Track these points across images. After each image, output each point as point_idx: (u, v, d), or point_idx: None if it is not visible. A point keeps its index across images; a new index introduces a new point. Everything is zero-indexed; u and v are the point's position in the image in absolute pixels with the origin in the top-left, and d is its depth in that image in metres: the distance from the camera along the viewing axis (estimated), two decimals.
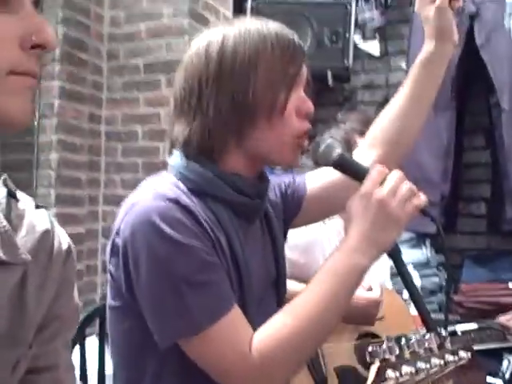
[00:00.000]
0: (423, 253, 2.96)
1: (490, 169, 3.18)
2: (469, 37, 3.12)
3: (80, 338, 1.58)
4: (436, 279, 2.87)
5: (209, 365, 1.04)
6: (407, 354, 0.73)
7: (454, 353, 0.77)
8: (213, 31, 1.12)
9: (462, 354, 0.77)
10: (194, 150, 1.09)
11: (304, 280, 1.72)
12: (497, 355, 2.46)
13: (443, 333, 0.82)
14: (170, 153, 1.16)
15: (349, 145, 1.86)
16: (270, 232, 1.23)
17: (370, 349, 0.73)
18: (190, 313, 1.00)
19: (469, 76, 3.22)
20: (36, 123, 2.95)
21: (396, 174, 1.04)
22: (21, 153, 2.96)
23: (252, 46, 1.08)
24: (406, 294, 2.85)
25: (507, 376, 2.31)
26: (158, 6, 3.31)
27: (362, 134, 1.83)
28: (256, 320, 1.07)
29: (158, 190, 1.04)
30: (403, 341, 0.75)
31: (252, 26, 1.10)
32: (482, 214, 3.20)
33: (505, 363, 2.32)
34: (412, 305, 2.79)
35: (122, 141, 3.25)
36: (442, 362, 0.74)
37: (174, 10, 3.29)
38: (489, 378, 2.43)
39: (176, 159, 1.12)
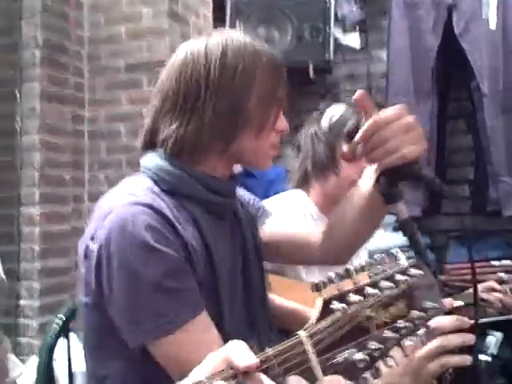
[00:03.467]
0: None
1: (472, 152, 3.20)
2: (447, 27, 3.16)
3: (65, 333, 1.56)
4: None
5: (175, 366, 1.04)
6: (356, 280, 0.69)
7: (405, 272, 0.72)
8: (209, 38, 1.14)
9: (413, 271, 0.73)
10: (180, 149, 1.11)
11: (283, 274, 1.73)
12: (482, 332, 2.45)
13: (392, 251, 0.78)
14: (145, 147, 1.16)
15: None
16: (240, 232, 1.25)
17: (314, 281, 0.68)
18: (160, 316, 1.01)
19: (449, 64, 3.25)
20: (18, 126, 2.97)
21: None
22: (4, 154, 2.97)
23: (250, 60, 1.11)
24: None
25: (494, 352, 2.29)
26: (137, 8, 3.33)
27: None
28: (228, 319, 1.11)
29: (132, 196, 1.05)
30: (351, 269, 0.70)
31: (247, 40, 1.14)
32: (466, 196, 3.21)
33: (491, 339, 2.30)
34: None
35: (105, 139, 3.26)
36: (393, 284, 0.70)
37: (154, 11, 3.31)
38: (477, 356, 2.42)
39: (152, 160, 1.13)
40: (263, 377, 0.59)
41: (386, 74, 3.28)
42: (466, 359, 0.99)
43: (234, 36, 1.14)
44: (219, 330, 1.08)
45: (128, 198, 1.04)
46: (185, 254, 1.05)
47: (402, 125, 1.00)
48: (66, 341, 1.54)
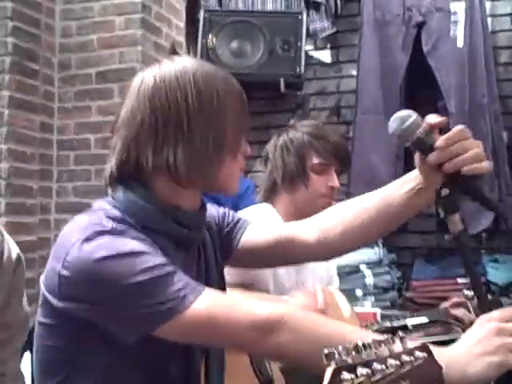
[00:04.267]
0: (376, 252, 3.00)
1: None
2: (416, 45, 3.20)
3: (30, 346, 1.54)
4: (388, 277, 2.91)
5: (220, 328, 1.02)
6: (364, 356, 0.73)
7: (410, 353, 0.76)
8: (171, 64, 1.13)
9: (418, 353, 0.77)
10: (167, 178, 1.10)
11: (251, 287, 1.73)
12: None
13: (400, 334, 0.82)
14: (114, 179, 1.14)
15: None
16: (205, 259, 1.25)
17: (325, 351, 0.72)
18: (174, 294, 1.00)
19: (416, 82, 3.30)
20: None
21: None
22: None
23: (221, 85, 1.12)
24: (358, 292, 2.89)
25: None
26: (109, 17, 3.32)
27: (318, 152, 1.86)
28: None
29: (99, 226, 1.05)
30: (359, 343, 0.74)
31: (208, 66, 1.15)
32: (431, 214, 3.25)
33: None
34: (365, 301, 2.79)
35: (75, 149, 3.24)
36: (399, 363, 0.74)
37: (126, 21, 3.30)
38: None
39: (120, 193, 1.12)
40: None
41: (355, 91, 3.32)
42: None
43: (196, 62, 1.15)
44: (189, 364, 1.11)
45: (96, 228, 1.04)
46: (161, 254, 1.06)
47: (477, 141, 1.07)
48: (30, 354, 1.53)
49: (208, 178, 1.13)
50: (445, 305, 2.08)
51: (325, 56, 3.64)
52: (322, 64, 3.62)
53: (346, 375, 0.70)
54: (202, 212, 1.22)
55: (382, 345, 0.76)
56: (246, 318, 1.01)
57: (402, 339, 0.78)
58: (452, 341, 2.27)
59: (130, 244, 1.03)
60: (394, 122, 1.14)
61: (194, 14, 3.63)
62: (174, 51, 3.53)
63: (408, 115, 1.13)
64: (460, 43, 3.13)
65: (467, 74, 3.08)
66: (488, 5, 3.29)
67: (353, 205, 1.31)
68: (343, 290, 2.34)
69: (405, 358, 0.75)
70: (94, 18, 3.35)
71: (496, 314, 1.00)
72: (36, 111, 3.11)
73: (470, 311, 2.01)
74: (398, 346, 0.77)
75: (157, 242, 1.09)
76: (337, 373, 0.70)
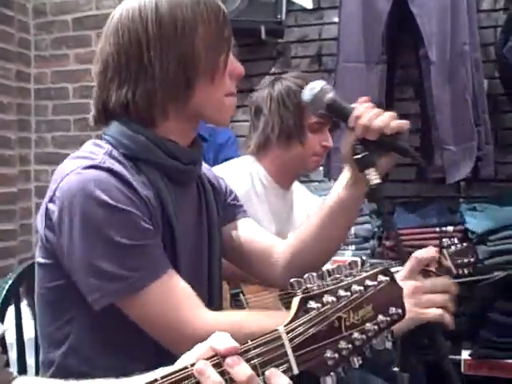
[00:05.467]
0: None
1: (419, 119, 3.26)
2: None
3: (14, 298, 1.55)
4: (368, 226, 2.95)
5: (151, 324, 1.06)
6: (329, 283, 0.75)
7: (373, 278, 0.79)
8: None
9: (381, 277, 0.79)
10: (133, 116, 1.12)
11: None
12: None
13: (363, 258, 0.85)
14: (99, 120, 1.17)
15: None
16: (206, 204, 1.28)
17: (291, 280, 0.74)
18: (128, 274, 1.03)
19: (398, 29, 3.27)
20: None
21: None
22: None
23: (188, 9, 1.11)
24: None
25: None
26: None
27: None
28: (186, 281, 1.11)
29: (91, 160, 1.07)
30: (325, 272, 0.76)
31: None
32: (411, 163, 3.28)
33: None
34: (345, 251, 2.83)
35: (52, 99, 3.19)
36: (362, 288, 0.76)
37: None
38: None
39: (113, 126, 1.14)
40: (242, 362, 0.66)
41: (337, 38, 3.28)
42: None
43: None
44: None
45: (88, 162, 1.07)
46: (147, 213, 1.08)
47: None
48: (14, 307, 1.52)
49: (177, 103, 1.13)
50: (418, 252, 2.12)
51: (306, 2, 3.57)
52: (303, 10, 3.56)
53: (312, 304, 0.73)
54: (196, 148, 1.23)
55: (346, 271, 0.79)
56: (180, 324, 1.05)
57: (363, 264, 0.81)
58: None
59: (119, 196, 1.04)
60: (304, 92, 1.21)
61: None
62: None
63: (316, 84, 1.21)
64: None
65: (449, 21, 3.04)
66: None
67: (307, 228, 1.34)
68: None
69: (368, 282, 0.78)
70: None
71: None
72: (11, 60, 3.05)
73: (445, 258, 2.06)
74: (361, 271, 0.80)
75: (149, 175, 1.11)
76: (303, 302, 0.73)
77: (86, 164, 1.06)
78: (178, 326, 1.05)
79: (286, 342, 0.71)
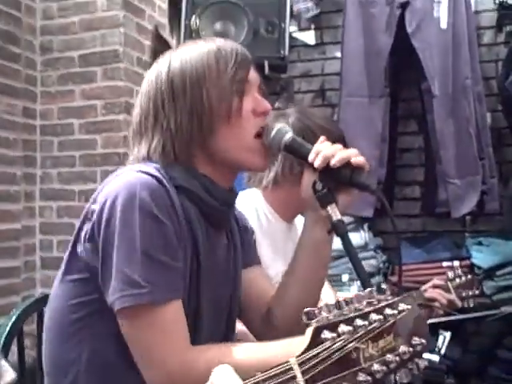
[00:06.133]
0: (361, 236, 3.02)
1: (423, 153, 3.27)
2: (400, 25, 3.19)
3: (18, 334, 1.55)
4: (374, 261, 2.94)
5: (136, 346, 1.07)
6: (345, 312, 0.72)
7: (393, 306, 0.75)
8: (160, 60, 1.23)
9: (402, 306, 0.75)
10: (161, 160, 1.16)
11: None
12: (432, 332, 2.55)
13: (383, 286, 0.82)
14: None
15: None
16: (234, 246, 1.30)
17: (305, 310, 0.70)
18: (144, 285, 1.04)
19: (401, 63, 3.30)
20: None
21: None
22: None
23: (198, 62, 1.17)
24: (345, 278, 2.92)
25: (443, 351, 2.38)
26: None
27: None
28: (205, 318, 1.15)
29: (142, 168, 1.11)
30: (341, 301, 0.73)
31: (194, 45, 1.22)
32: (416, 197, 3.29)
33: (440, 339, 2.39)
34: (351, 287, 2.83)
35: (58, 135, 3.21)
36: (382, 317, 0.72)
37: (108, 2, 3.25)
38: (425, 355, 2.51)
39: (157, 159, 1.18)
40: None
41: (340, 73, 3.31)
42: None
43: (184, 49, 1.23)
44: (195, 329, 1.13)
45: (137, 168, 1.11)
46: (179, 233, 1.10)
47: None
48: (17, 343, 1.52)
49: (202, 150, 1.17)
50: (424, 287, 2.11)
51: (309, 37, 3.61)
52: (306, 46, 3.60)
53: (327, 334, 0.69)
54: (232, 194, 1.26)
55: (364, 300, 0.75)
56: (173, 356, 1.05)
57: (383, 292, 0.79)
58: (435, 324, 2.30)
59: (162, 207, 1.07)
60: (264, 136, 1.22)
61: None
62: (157, 33, 3.49)
63: (274, 126, 1.22)
64: (443, 24, 3.11)
65: (451, 56, 3.07)
66: None
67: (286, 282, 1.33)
68: (329, 276, 2.36)
69: (388, 311, 0.73)
70: None
71: None
72: (18, 96, 3.07)
73: (450, 292, 2.05)
74: (380, 300, 0.76)
75: (187, 207, 1.14)
76: (317, 332, 0.69)
77: (135, 170, 1.10)
78: (165, 357, 1.05)
79: (299, 375, 0.67)
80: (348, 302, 0.73)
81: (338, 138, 1.95)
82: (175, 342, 1.06)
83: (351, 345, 0.69)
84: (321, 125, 1.88)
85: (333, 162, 1.14)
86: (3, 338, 1.47)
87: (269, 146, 1.22)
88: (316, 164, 1.16)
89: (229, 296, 1.28)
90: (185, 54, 1.20)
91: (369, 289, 0.78)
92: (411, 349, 0.74)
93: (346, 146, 1.79)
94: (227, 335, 1.27)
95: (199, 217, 1.17)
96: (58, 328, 1.17)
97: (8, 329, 1.49)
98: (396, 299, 0.76)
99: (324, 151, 1.16)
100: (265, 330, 1.33)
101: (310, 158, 1.18)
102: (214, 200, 1.19)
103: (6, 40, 3.00)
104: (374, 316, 0.72)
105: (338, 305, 0.72)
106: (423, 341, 0.75)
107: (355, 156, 1.15)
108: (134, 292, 1.03)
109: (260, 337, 1.38)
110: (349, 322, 0.70)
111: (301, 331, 0.72)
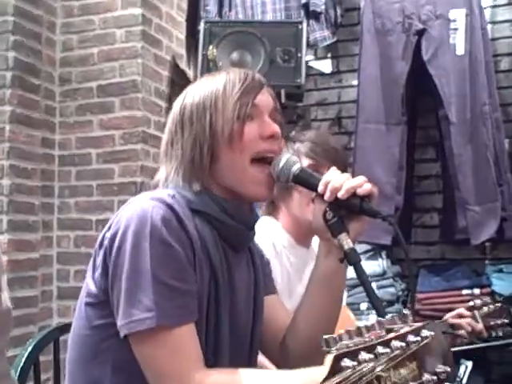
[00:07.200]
0: (380, 264, 2.99)
1: (440, 180, 3.24)
2: (416, 53, 3.19)
3: (34, 363, 1.54)
4: (393, 289, 2.90)
5: (149, 369, 1.07)
6: (366, 339, 0.69)
7: (416, 333, 0.72)
8: (180, 97, 1.27)
9: (426, 332, 0.73)
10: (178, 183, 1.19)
11: None
12: (454, 361, 2.49)
13: (405, 312, 0.80)
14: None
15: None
16: (254, 269, 1.30)
17: (325, 337, 0.68)
18: (153, 309, 1.04)
19: (418, 91, 3.30)
20: None
21: None
22: None
23: (207, 91, 1.21)
24: (363, 306, 2.89)
25: (464, 381, 2.33)
26: (110, 29, 3.32)
27: (307, 155, 1.85)
28: (227, 344, 1.14)
29: (154, 195, 1.13)
30: (362, 327, 0.71)
31: (211, 76, 1.26)
32: (435, 225, 3.26)
33: (462, 368, 2.35)
34: (369, 315, 2.80)
35: (76, 164, 3.24)
36: (404, 344, 0.70)
37: (127, 33, 3.31)
38: None
39: (174, 183, 1.21)
40: None
41: (356, 101, 3.31)
42: None
43: (202, 80, 1.28)
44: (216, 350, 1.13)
45: (150, 195, 1.13)
46: (193, 258, 1.10)
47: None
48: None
49: (209, 175, 1.19)
50: (448, 316, 2.06)
51: (325, 66, 3.63)
52: (322, 74, 3.61)
53: (347, 362, 0.65)
54: (252, 214, 1.27)
55: (386, 326, 0.73)
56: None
57: (405, 319, 0.75)
58: (456, 353, 2.25)
59: (173, 233, 1.08)
60: (273, 166, 1.22)
61: (195, 25, 3.63)
62: (174, 64, 3.53)
63: (281, 156, 1.22)
64: (460, 51, 3.11)
65: (468, 82, 3.07)
66: (488, 12, 3.29)
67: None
68: (348, 304, 2.33)
69: (411, 337, 0.71)
70: (94, 30, 3.36)
71: None
72: (37, 126, 3.11)
73: (477, 321, 2.00)
74: (402, 327, 0.73)
75: (201, 227, 1.14)
76: (337, 360, 0.65)
77: (148, 197, 1.12)
78: (176, 379, 1.05)
79: None
80: (369, 328, 0.71)
81: (338, 154, 1.94)
82: (185, 363, 1.06)
83: (373, 373, 0.66)
84: (323, 140, 1.88)
85: (340, 195, 1.14)
86: (19, 369, 1.47)
87: (277, 178, 1.21)
88: (326, 197, 1.16)
89: (251, 320, 1.26)
90: (199, 86, 1.25)
91: (391, 315, 0.76)
92: (435, 377, 0.72)
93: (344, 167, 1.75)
94: (250, 362, 1.26)
95: (217, 239, 1.17)
96: (80, 350, 1.18)
97: (24, 359, 1.49)
98: (419, 325, 0.74)
99: (332, 182, 1.15)
100: (282, 360, 1.31)
101: (320, 189, 1.18)
102: (231, 219, 1.19)
103: (25, 71, 3.06)
104: (396, 343, 0.69)
105: (358, 331, 0.70)
106: (448, 369, 0.73)
107: (362, 185, 1.14)
108: (142, 317, 1.04)
109: (279, 367, 1.37)
110: (370, 349, 0.67)
111: (320, 360, 0.68)
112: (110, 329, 1.11)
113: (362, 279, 1.13)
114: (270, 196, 1.26)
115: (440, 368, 0.73)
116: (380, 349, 0.68)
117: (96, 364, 1.14)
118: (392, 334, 0.71)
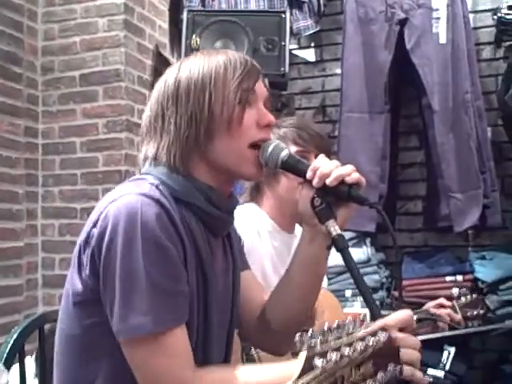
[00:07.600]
0: (364, 251, 3.02)
1: (424, 168, 3.27)
2: (399, 42, 3.21)
3: (19, 351, 1.53)
4: (377, 276, 2.93)
5: (142, 375, 1.06)
6: (334, 341, 0.75)
7: (374, 334, 0.79)
8: (171, 67, 1.24)
9: (381, 334, 0.80)
10: (164, 166, 1.16)
11: None
12: (437, 347, 2.53)
13: (361, 315, 0.86)
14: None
15: None
16: (232, 252, 1.30)
17: (297, 336, 0.73)
18: (148, 314, 1.03)
19: (401, 79, 3.31)
20: None
21: None
22: None
23: (206, 68, 1.18)
24: (348, 293, 2.90)
25: (447, 367, 2.36)
26: (92, 18, 3.30)
27: (295, 141, 1.86)
28: (215, 330, 1.15)
29: (139, 189, 1.10)
30: (327, 328, 0.76)
31: (207, 54, 1.22)
32: (418, 212, 3.29)
33: (445, 354, 2.38)
34: (354, 302, 2.82)
35: (60, 153, 3.22)
36: (364, 345, 0.76)
37: (109, 22, 3.28)
38: (430, 370, 2.49)
39: (156, 169, 1.18)
40: None
41: (340, 89, 3.32)
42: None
43: (195, 57, 1.23)
44: (204, 343, 1.13)
45: (136, 189, 1.10)
46: (183, 255, 1.10)
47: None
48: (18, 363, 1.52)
49: (200, 155, 1.17)
50: (429, 305, 2.09)
51: (309, 55, 3.64)
52: (306, 63, 3.62)
53: (317, 361, 0.72)
54: (232, 199, 1.26)
55: (349, 326, 0.78)
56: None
57: (363, 321, 0.82)
58: (439, 339, 2.27)
59: (163, 230, 1.06)
60: (261, 152, 1.22)
61: (178, 14, 3.61)
62: (157, 52, 3.52)
63: (270, 142, 1.22)
64: (442, 39, 3.13)
65: (450, 71, 3.09)
66: (470, 1, 3.31)
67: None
68: (332, 291, 2.35)
69: (369, 339, 0.78)
70: (76, 20, 3.33)
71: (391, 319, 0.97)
72: (20, 115, 3.08)
73: (456, 311, 2.03)
74: (362, 327, 0.80)
75: (188, 218, 1.13)
76: (309, 359, 0.72)
77: (133, 191, 1.09)
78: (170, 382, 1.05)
79: None
80: (334, 328, 0.76)
81: (325, 141, 1.96)
82: (178, 366, 1.06)
83: (338, 372, 0.74)
84: (310, 128, 1.89)
85: (328, 182, 1.14)
86: (5, 356, 1.46)
87: (265, 163, 1.21)
88: (314, 183, 1.16)
89: (230, 302, 1.27)
90: (195, 61, 1.21)
91: (353, 315, 0.83)
92: (387, 374, 0.80)
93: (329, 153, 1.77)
94: (228, 342, 1.27)
95: (202, 230, 1.17)
96: (71, 350, 1.16)
97: (9, 346, 1.49)
98: (375, 327, 0.81)
99: (321, 169, 1.16)
100: (258, 333, 1.34)
101: (308, 175, 1.18)
102: (216, 209, 1.19)
103: (7, 60, 3.03)
104: (358, 344, 0.76)
105: (326, 331, 0.75)
106: (397, 367, 0.82)
107: (351, 173, 1.14)
108: (138, 321, 1.03)
109: (253, 339, 1.40)
110: (336, 349, 0.74)
111: (292, 336, 0.75)
112: (100, 327, 1.10)
113: (350, 265, 1.13)
114: (260, 177, 1.26)
115: (391, 366, 0.81)
116: (344, 349, 0.74)
117: (89, 362, 1.13)
118: (355, 336, 0.77)
